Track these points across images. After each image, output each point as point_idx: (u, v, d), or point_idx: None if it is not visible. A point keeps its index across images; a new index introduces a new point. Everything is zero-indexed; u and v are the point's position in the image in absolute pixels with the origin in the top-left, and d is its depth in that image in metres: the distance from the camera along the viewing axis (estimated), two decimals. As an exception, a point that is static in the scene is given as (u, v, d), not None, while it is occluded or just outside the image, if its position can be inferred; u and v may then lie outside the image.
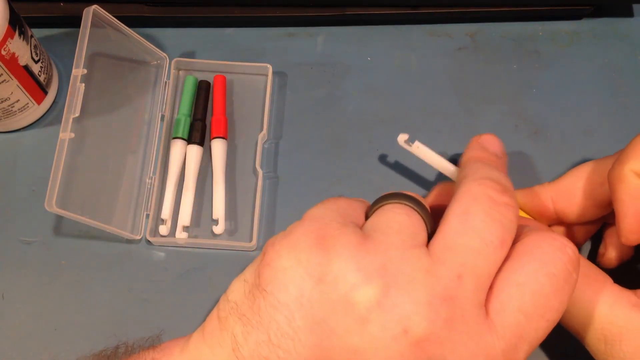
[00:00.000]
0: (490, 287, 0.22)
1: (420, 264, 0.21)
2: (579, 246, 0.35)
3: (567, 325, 0.28)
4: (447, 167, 0.32)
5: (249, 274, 0.23)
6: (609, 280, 0.28)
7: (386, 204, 0.25)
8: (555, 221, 0.33)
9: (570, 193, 0.31)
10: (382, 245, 0.22)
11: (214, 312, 0.23)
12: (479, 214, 0.23)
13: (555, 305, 0.23)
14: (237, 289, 0.23)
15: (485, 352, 0.21)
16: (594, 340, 0.27)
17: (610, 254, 0.32)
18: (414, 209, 0.24)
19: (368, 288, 0.21)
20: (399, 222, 0.23)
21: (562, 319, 0.28)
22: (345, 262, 0.21)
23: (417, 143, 0.33)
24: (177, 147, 0.38)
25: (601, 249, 0.33)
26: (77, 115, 0.33)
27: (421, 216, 0.24)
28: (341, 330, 0.21)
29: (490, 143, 0.30)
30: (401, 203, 0.25)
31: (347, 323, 0.21)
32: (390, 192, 0.25)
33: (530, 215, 0.33)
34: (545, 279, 0.22)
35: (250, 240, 0.36)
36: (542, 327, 0.23)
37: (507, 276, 0.23)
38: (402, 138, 0.33)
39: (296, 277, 0.21)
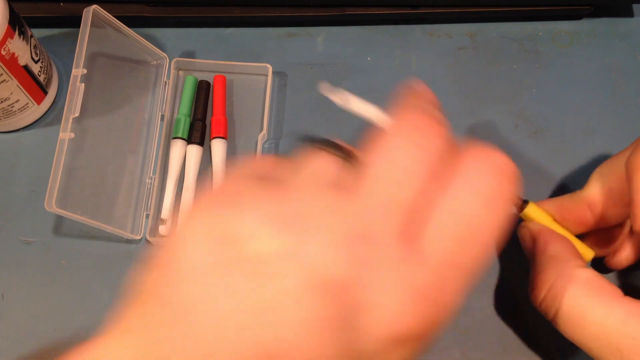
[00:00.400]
0: (419, 216, 0.20)
1: (330, 203, 0.20)
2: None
3: (579, 342, 0.28)
4: (379, 116, 0.27)
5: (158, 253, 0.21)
6: (619, 292, 0.27)
7: (301, 150, 0.23)
8: (594, 227, 0.32)
9: (606, 196, 0.31)
10: (290, 191, 0.20)
11: (126, 300, 0.21)
12: (400, 143, 0.21)
13: (488, 225, 0.21)
14: (144, 272, 0.21)
15: (412, 284, 0.19)
16: (608, 355, 0.26)
17: (620, 255, 0.32)
18: (330, 152, 0.23)
19: (274, 238, 0.19)
20: (310, 165, 0.22)
21: (573, 335, 0.28)
22: (249, 215, 0.19)
23: (343, 91, 0.30)
24: (177, 147, 0.38)
25: (610, 250, 0.32)
26: (77, 115, 0.33)
27: (339, 158, 0.22)
28: (251, 289, 0.18)
29: (421, 89, 0.27)
30: (316, 147, 0.23)
31: (257, 280, 0.18)
32: (319, 139, 0.24)
33: (567, 226, 0.32)
34: (475, 198, 0.21)
35: (250, 240, 0.36)
36: (475, 250, 0.21)
37: (434, 203, 0.20)
38: (325, 87, 0.30)
39: (198, 244, 0.19)
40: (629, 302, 0.27)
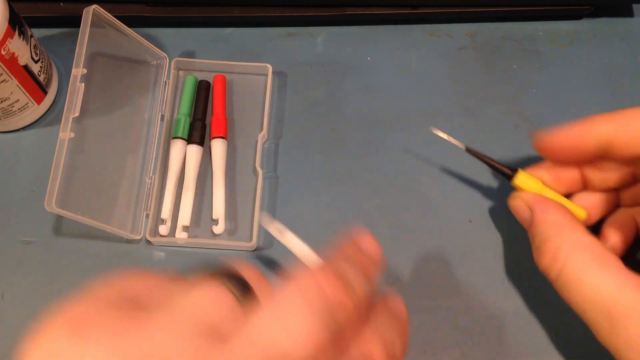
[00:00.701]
0: None
1: (197, 356, 0.18)
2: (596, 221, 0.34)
3: (574, 304, 0.29)
4: (313, 260, 0.30)
5: None
6: (619, 262, 0.28)
7: (202, 280, 0.21)
8: (582, 187, 0.33)
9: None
10: (156, 330, 0.18)
11: None
12: (299, 306, 0.19)
13: None
14: None
15: None
16: (598, 317, 0.28)
17: (607, 242, 0.32)
18: (230, 292, 0.20)
19: None
20: (200, 306, 0.19)
21: (569, 297, 0.29)
22: (99, 349, 0.18)
23: (279, 224, 0.31)
24: (177, 147, 0.38)
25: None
26: (77, 115, 0.33)
27: (239, 301, 0.20)
28: None
29: (364, 240, 0.25)
30: (218, 284, 0.21)
31: None
32: (216, 266, 0.22)
33: (558, 189, 0.33)
34: None
35: (250, 240, 0.36)
36: None
37: None
38: (265, 218, 0.33)
39: None
40: (626, 272, 0.28)
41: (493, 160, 0.34)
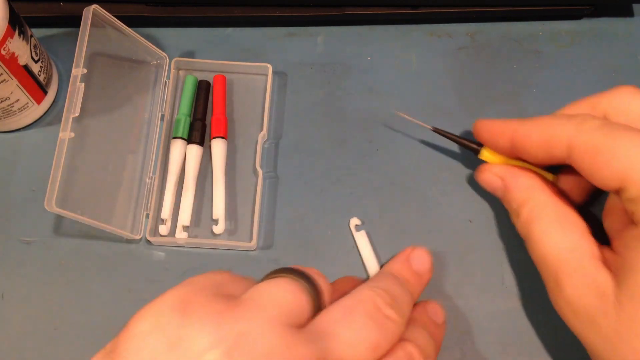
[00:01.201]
0: None
1: (282, 340, 0.21)
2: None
3: (533, 259, 0.30)
4: (373, 267, 0.34)
5: (110, 342, 0.22)
6: (582, 224, 0.29)
7: (277, 276, 0.24)
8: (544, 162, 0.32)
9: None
10: (250, 314, 0.22)
11: None
12: (362, 313, 0.24)
13: None
14: (95, 358, 0.22)
15: None
16: (548, 276, 0.29)
17: None
18: (304, 289, 0.24)
19: (215, 352, 0.20)
20: (281, 297, 0.23)
21: (531, 255, 0.30)
22: (202, 326, 0.21)
23: (362, 232, 0.35)
24: (177, 147, 0.38)
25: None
26: (77, 114, 0.33)
27: (311, 297, 0.24)
28: None
29: (418, 259, 0.32)
30: (293, 279, 0.24)
31: None
32: (287, 266, 0.25)
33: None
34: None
35: (250, 240, 0.36)
36: None
37: None
38: (353, 222, 0.36)
39: (151, 341, 0.21)
40: (581, 235, 0.29)
41: (459, 137, 0.35)
